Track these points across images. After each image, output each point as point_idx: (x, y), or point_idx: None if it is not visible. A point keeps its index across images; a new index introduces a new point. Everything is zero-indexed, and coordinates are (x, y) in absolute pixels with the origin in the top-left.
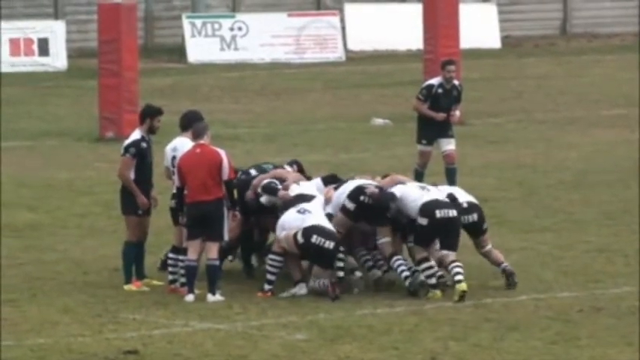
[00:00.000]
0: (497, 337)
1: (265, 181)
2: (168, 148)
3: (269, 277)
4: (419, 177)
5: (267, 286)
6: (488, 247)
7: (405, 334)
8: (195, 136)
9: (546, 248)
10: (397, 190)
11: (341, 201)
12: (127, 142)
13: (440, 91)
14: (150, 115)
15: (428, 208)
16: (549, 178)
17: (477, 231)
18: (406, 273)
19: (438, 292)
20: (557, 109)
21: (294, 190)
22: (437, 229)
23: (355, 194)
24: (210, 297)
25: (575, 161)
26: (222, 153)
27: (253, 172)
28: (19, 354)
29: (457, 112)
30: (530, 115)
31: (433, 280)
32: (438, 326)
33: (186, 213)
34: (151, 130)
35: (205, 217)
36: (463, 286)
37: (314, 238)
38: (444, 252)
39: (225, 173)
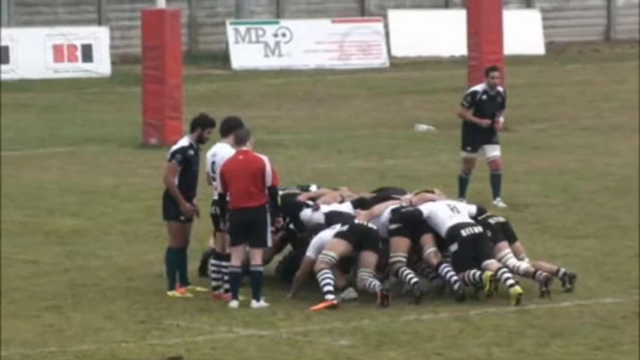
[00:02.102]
0: (541, 343)
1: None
2: (209, 154)
3: (327, 287)
4: (463, 183)
5: (329, 296)
6: (526, 260)
7: (449, 340)
8: (238, 143)
9: (590, 254)
10: (425, 209)
11: (382, 220)
12: (175, 148)
13: (484, 97)
14: (202, 125)
15: (453, 232)
16: (593, 184)
17: (507, 233)
18: (455, 277)
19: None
20: (600, 115)
21: (324, 209)
22: (468, 247)
23: (395, 212)
24: (254, 303)
25: (619, 167)
26: (265, 159)
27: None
28: None
29: (501, 119)
30: (573, 122)
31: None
32: (482, 332)
33: (229, 219)
34: (200, 140)
35: (248, 224)
36: (518, 289)
37: (357, 221)
38: (486, 262)
39: (269, 179)
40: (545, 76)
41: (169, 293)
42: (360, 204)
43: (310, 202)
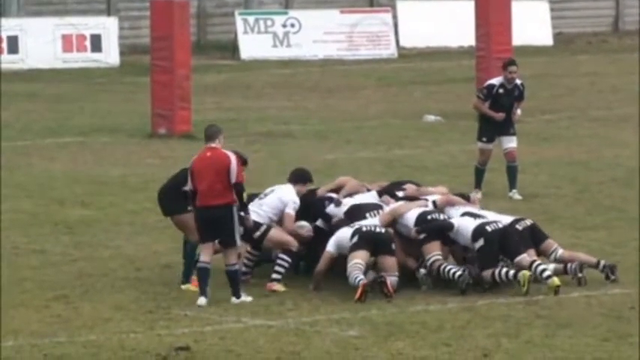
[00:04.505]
0: (549, 334)
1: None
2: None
3: (358, 277)
4: (479, 174)
5: (360, 281)
6: (560, 250)
7: (457, 331)
8: (207, 139)
9: (598, 245)
10: (455, 222)
11: (405, 221)
12: None
13: (500, 91)
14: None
15: (478, 229)
16: (601, 176)
17: (537, 235)
18: (459, 272)
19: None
20: (609, 106)
21: (348, 202)
22: (494, 242)
23: (425, 222)
24: (234, 300)
25: (628, 158)
26: (232, 156)
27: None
28: (71, 350)
29: (518, 111)
30: (582, 113)
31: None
32: (490, 323)
33: (196, 217)
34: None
35: (215, 222)
36: (555, 281)
37: (364, 228)
38: (518, 258)
39: (234, 176)
40: (553, 67)
41: (183, 287)
42: (388, 192)
43: (333, 195)
